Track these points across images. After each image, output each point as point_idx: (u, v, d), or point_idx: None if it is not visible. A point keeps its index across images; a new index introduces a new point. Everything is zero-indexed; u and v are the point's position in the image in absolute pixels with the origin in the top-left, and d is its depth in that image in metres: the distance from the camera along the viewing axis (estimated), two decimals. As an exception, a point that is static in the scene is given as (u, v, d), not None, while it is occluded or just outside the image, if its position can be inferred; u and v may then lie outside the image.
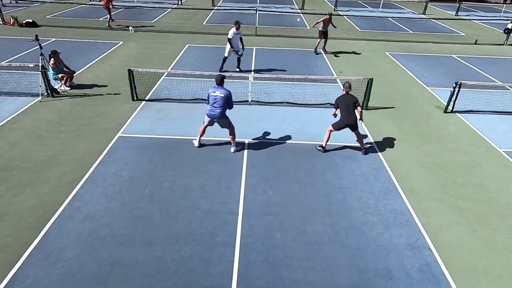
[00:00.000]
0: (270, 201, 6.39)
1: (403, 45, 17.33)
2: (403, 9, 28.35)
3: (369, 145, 8.27)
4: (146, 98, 10.20)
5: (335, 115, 7.87)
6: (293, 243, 5.54)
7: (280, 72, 12.57)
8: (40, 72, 9.66)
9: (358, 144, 7.99)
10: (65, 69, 10.68)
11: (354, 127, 7.72)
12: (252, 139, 8.33)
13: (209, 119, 7.45)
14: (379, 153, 7.99)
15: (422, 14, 26.04)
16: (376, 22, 22.58)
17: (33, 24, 17.54)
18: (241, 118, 9.21)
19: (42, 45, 10.15)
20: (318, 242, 5.57)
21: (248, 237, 5.61)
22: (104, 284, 4.76)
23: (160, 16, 21.40)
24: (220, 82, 7.23)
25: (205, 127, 7.66)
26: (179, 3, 25.49)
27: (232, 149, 7.77)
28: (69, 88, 10.45)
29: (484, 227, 6.05)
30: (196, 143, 7.87)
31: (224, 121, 7.49)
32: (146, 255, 5.21)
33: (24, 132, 8.25)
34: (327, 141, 7.88)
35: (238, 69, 12.37)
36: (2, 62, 11.65)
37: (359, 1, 30.69)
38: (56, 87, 10.29)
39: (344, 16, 23.56)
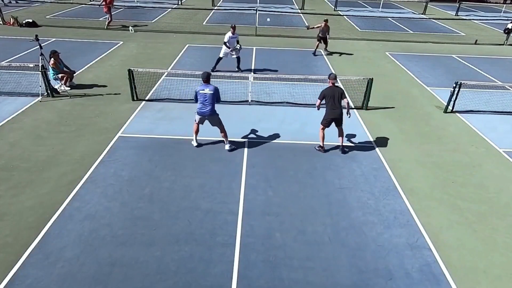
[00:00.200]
0: (270, 201, 6.39)
1: (403, 45, 17.33)
2: (403, 9, 28.35)
3: (369, 145, 8.28)
4: (146, 98, 10.20)
5: (318, 107, 7.79)
6: (293, 243, 5.54)
7: (280, 72, 12.57)
8: (40, 72, 9.66)
9: (358, 144, 7.99)
10: (65, 69, 10.68)
11: (339, 122, 7.64)
12: (252, 139, 8.33)
13: (199, 117, 7.48)
14: (379, 153, 7.99)
15: (422, 14, 26.04)
16: (376, 22, 22.58)
17: (33, 24, 17.55)
18: (241, 118, 9.22)
19: (42, 45, 10.16)
20: (318, 242, 5.57)
21: (248, 237, 5.61)
22: (104, 284, 4.76)
23: (160, 16, 21.41)
24: (206, 79, 7.32)
25: (197, 125, 7.70)
26: (179, 3, 25.50)
27: (227, 147, 7.78)
28: (69, 88, 10.45)
29: (484, 227, 6.05)
30: (194, 143, 7.89)
31: (214, 118, 7.52)
32: (146, 255, 5.21)
33: (24, 132, 8.25)
34: (323, 140, 7.82)
35: (238, 69, 12.37)
36: (2, 62, 11.66)
37: (359, 1, 30.70)
38: (56, 87, 10.29)
39: (344, 16, 23.56)
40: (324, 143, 7.87)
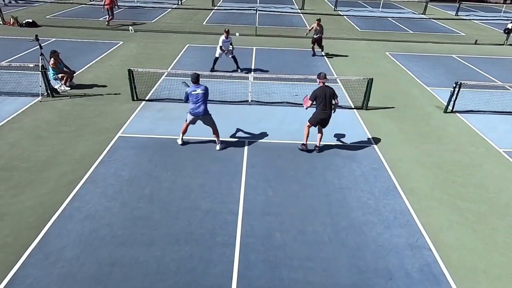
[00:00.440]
0: (270, 201, 6.39)
1: (403, 45, 17.33)
2: (403, 9, 28.35)
3: (369, 145, 8.28)
4: (146, 98, 10.20)
5: (308, 107, 7.51)
6: (293, 243, 5.54)
7: (280, 72, 12.57)
8: (40, 72, 9.66)
9: (357, 144, 7.98)
10: (65, 69, 10.68)
11: (326, 124, 7.54)
12: (252, 139, 8.33)
13: (192, 117, 7.50)
14: (379, 153, 7.98)
15: (422, 14, 26.04)
16: (376, 22, 22.58)
17: (33, 24, 17.54)
18: (241, 118, 9.22)
19: (42, 45, 10.15)
20: (318, 242, 5.57)
21: (248, 237, 5.61)
22: (104, 284, 4.76)
23: (160, 16, 21.41)
24: (196, 80, 7.40)
25: (187, 125, 7.72)
26: (179, 3, 25.50)
27: (218, 147, 7.80)
28: (69, 88, 10.45)
29: (484, 227, 6.04)
30: (179, 141, 7.92)
31: (208, 118, 7.55)
32: (146, 255, 5.21)
33: (24, 132, 8.25)
34: (307, 138, 7.72)
35: (238, 70, 12.37)
36: (2, 62, 11.66)
37: (359, 1, 30.70)
38: (56, 87, 10.29)
39: (344, 16, 23.56)
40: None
